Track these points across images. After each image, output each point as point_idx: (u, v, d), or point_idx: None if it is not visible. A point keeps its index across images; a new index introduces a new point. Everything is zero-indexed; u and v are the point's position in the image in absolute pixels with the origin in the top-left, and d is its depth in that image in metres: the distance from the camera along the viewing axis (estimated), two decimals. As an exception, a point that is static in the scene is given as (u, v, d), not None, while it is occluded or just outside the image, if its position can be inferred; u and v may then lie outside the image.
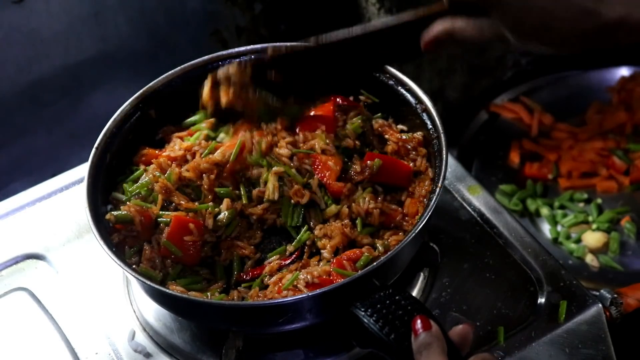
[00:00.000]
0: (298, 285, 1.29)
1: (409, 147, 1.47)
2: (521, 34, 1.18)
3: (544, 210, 2.14)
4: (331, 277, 1.30)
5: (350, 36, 1.39)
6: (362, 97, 1.55)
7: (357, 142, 1.46)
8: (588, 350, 1.38)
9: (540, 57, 2.47)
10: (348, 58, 1.43)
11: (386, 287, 1.23)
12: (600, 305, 1.40)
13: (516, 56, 2.46)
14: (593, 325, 1.39)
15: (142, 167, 1.48)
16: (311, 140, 1.44)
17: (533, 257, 1.47)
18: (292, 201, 1.39)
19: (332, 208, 1.40)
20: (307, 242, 1.38)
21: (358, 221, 1.38)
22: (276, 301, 1.25)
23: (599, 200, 2.15)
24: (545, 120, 2.34)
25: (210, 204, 1.40)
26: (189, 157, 1.46)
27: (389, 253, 1.26)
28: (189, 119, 1.56)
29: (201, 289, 1.34)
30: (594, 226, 2.09)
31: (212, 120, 1.52)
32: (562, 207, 2.15)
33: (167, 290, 1.29)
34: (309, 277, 1.29)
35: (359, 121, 1.49)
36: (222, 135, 1.49)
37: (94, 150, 1.43)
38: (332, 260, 1.34)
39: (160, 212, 1.39)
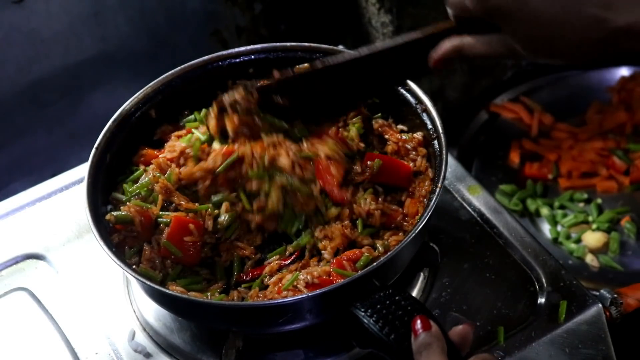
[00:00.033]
0: (298, 286, 1.29)
1: (409, 147, 1.47)
2: (532, 46, 1.17)
3: (544, 210, 2.14)
4: (331, 278, 1.30)
5: (357, 57, 1.38)
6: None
7: (361, 144, 1.47)
8: (588, 350, 1.38)
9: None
10: (355, 79, 1.41)
11: (386, 288, 1.23)
12: (600, 305, 1.40)
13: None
14: (593, 325, 1.39)
15: (141, 167, 1.48)
16: (318, 145, 1.42)
17: (533, 257, 1.47)
18: (296, 211, 1.39)
19: (333, 210, 1.39)
20: (308, 246, 1.38)
21: (359, 222, 1.38)
22: (276, 301, 1.25)
23: (599, 200, 2.14)
24: (545, 120, 2.34)
25: (210, 205, 1.40)
26: (182, 161, 1.46)
27: (389, 253, 1.26)
28: (187, 118, 1.56)
29: (201, 289, 1.34)
30: (594, 226, 2.09)
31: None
32: (562, 207, 2.15)
33: (167, 291, 1.29)
34: (308, 277, 1.29)
35: (360, 122, 1.49)
36: (215, 144, 1.46)
37: (94, 150, 1.43)
38: (332, 260, 1.34)
39: (160, 213, 1.39)
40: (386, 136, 1.49)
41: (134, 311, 1.47)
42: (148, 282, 1.27)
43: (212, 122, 1.45)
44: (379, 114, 1.54)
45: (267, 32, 2.36)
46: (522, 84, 2.44)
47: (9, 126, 2.10)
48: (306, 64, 1.44)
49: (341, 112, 1.51)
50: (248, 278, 1.36)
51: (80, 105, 2.17)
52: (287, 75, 1.44)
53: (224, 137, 1.45)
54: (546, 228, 2.12)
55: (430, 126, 1.45)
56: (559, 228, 2.12)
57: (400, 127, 1.52)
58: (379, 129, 1.50)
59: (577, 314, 1.39)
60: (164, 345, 1.42)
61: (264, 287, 1.34)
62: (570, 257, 2.05)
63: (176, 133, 1.53)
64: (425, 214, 1.30)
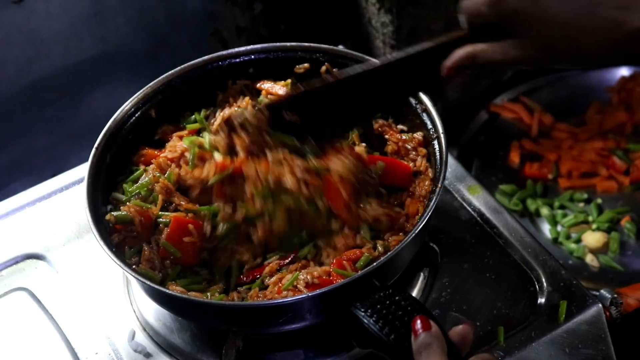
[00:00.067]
0: (298, 286, 1.29)
1: (409, 147, 1.47)
2: (548, 50, 1.16)
3: (544, 210, 2.14)
4: (331, 278, 1.30)
5: (368, 69, 1.36)
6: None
7: (363, 144, 1.46)
8: (588, 350, 1.38)
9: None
10: (367, 92, 1.38)
11: (386, 288, 1.23)
12: (600, 305, 1.40)
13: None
14: (593, 325, 1.39)
15: (142, 167, 1.48)
16: (331, 162, 1.39)
17: (533, 257, 1.47)
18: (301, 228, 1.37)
19: (337, 224, 1.37)
20: (309, 256, 1.37)
21: (364, 227, 1.37)
22: (276, 301, 1.25)
23: (599, 200, 2.14)
24: (545, 120, 2.34)
25: (208, 209, 1.38)
26: (182, 162, 1.46)
27: (389, 253, 1.26)
28: (188, 119, 1.56)
29: (201, 289, 1.34)
30: (594, 226, 2.09)
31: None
32: (562, 207, 2.15)
33: (167, 291, 1.29)
34: (308, 277, 1.29)
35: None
36: (217, 155, 1.41)
37: (94, 150, 1.43)
38: (332, 260, 1.34)
39: (160, 213, 1.39)
40: (386, 136, 1.49)
41: (134, 311, 1.47)
42: (148, 282, 1.27)
43: (222, 142, 1.40)
44: (379, 114, 1.54)
45: (267, 32, 2.35)
46: (522, 84, 2.44)
47: (9, 126, 2.10)
48: (326, 74, 1.40)
49: (352, 128, 1.48)
50: (248, 280, 1.36)
51: (80, 105, 2.17)
52: (297, 91, 1.41)
53: (232, 153, 1.40)
54: (546, 228, 2.12)
55: (430, 126, 1.45)
56: (559, 228, 2.12)
57: (400, 127, 1.52)
58: (379, 129, 1.50)
59: (577, 314, 1.39)
60: (164, 345, 1.42)
61: (264, 287, 1.34)
62: (570, 257, 2.05)
63: (177, 133, 1.53)
64: (425, 214, 1.30)
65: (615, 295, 1.42)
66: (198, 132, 1.54)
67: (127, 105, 1.51)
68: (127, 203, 1.40)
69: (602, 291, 1.43)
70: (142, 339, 1.43)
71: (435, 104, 1.45)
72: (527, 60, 1.18)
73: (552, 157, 2.24)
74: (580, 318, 1.38)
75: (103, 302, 1.49)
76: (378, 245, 1.35)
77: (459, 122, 2.37)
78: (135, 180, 1.45)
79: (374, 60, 1.43)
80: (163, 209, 1.40)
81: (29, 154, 2.15)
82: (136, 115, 1.52)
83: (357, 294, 1.22)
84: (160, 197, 1.40)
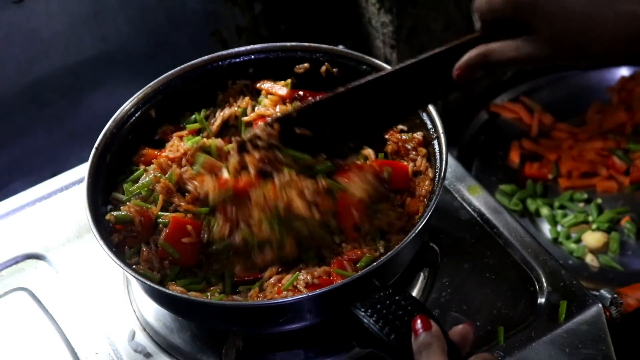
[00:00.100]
0: (298, 286, 1.29)
1: (409, 147, 1.47)
2: (562, 45, 1.14)
3: (544, 210, 2.14)
4: (331, 278, 1.30)
5: (380, 76, 1.32)
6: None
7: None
8: (588, 350, 1.38)
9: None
10: (379, 101, 1.34)
11: (386, 287, 1.23)
12: (600, 305, 1.40)
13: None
14: (593, 325, 1.39)
15: (142, 167, 1.48)
16: (349, 180, 1.35)
17: (533, 257, 1.47)
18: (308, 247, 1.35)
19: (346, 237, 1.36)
20: (312, 263, 1.36)
21: (377, 234, 1.37)
22: (276, 301, 1.25)
23: (599, 200, 2.14)
24: (545, 120, 2.34)
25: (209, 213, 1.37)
26: (184, 162, 1.46)
27: (389, 253, 1.26)
28: (188, 119, 1.56)
29: (201, 289, 1.34)
30: (594, 226, 2.09)
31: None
32: (562, 207, 2.15)
33: (168, 291, 1.29)
34: (308, 277, 1.29)
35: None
36: (224, 173, 1.38)
37: (94, 150, 1.43)
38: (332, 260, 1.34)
39: (160, 213, 1.39)
40: (386, 136, 1.49)
41: (134, 311, 1.47)
42: (148, 282, 1.27)
43: (233, 161, 1.36)
44: (393, 126, 1.53)
45: (267, 32, 2.35)
46: (522, 84, 2.44)
47: (9, 126, 2.09)
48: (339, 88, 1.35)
49: (366, 142, 1.43)
50: (248, 279, 1.36)
51: (80, 105, 2.17)
52: (308, 103, 1.38)
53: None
54: (546, 228, 2.12)
55: (430, 126, 1.45)
56: (559, 228, 2.12)
57: (400, 127, 1.52)
58: (379, 128, 1.50)
59: (577, 314, 1.39)
60: (164, 345, 1.42)
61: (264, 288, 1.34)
62: (570, 257, 2.05)
63: (177, 133, 1.53)
64: (426, 214, 1.30)
65: (615, 295, 1.42)
66: (198, 132, 1.54)
67: (127, 105, 1.51)
68: (127, 203, 1.40)
69: (602, 291, 1.43)
70: (142, 339, 1.43)
71: (435, 104, 1.45)
72: (541, 56, 1.16)
73: (552, 157, 2.24)
74: (580, 318, 1.38)
75: (103, 302, 1.49)
76: (379, 245, 1.35)
77: (459, 122, 2.36)
78: (136, 180, 1.45)
79: (386, 66, 1.40)
80: (163, 209, 1.40)
81: (29, 154, 2.15)
82: (136, 115, 1.52)
83: (357, 293, 1.22)
84: (160, 197, 1.40)
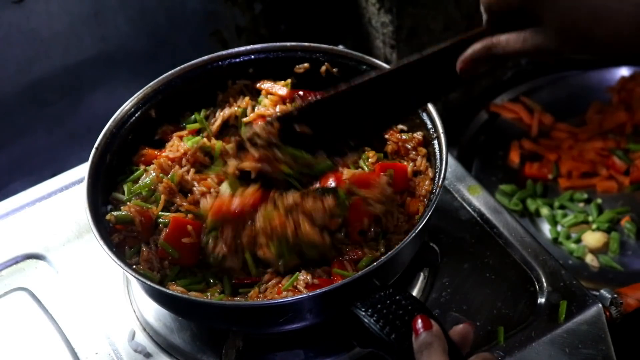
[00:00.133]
0: (298, 286, 1.29)
1: (409, 147, 1.47)
2: (570, 36, 1.12)
3: (544, 210, 2.14)
4: (331, 278, 1.30)
5: (383, 73, 1.31)
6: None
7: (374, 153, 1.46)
8: (588, 350, 1.38)
9: (540, 57, 2.47)
10: (382, 99, 1.31)
11: (386, 287, 1.23)
12: (600, 305, 1.40)
13: (516, 56, 2.46)
14: (593, 325, 1.39)
15: (142, 167, 1.48)
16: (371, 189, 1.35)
17: (533, 257, 1.47)
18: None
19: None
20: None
21: (380, 236, 1.37)
22: (276, 301, 1.25)
23: (599, 200, 2.14)
24: (545, 120, 2.34)
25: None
26: (184, 162, 1.46)
27: (389, 253, 1.26)
28: (188, 119, 1.56)
29: (201, 289, 1.34)
30: (594, 226, 2.09)
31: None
32: (562, 207, 2.15)
33: (168, 291, 1.29)
34: (308, 277, 1.29)
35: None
36: (224, 187, 1.36)
37: (94, 150, 1.43)
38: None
39: (160, 213, 1.39)
40: (386, 136, 1.49)
41: (134, 311, 1.47)
42: (149, 282, 1.27)
43: (232, 163, 1.35)
44: (394, 125, 1.53)
45: (267, 32, 2.35)
46: (522, 84, 2.44)
47: (9, 126, 2.09)
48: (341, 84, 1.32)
49: (366, 140, 1.42)
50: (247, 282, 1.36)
51: (80, 105, 2.17)
52: (309, 101, 1.36)
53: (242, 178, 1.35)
54: (546, 228, 2.12)
55: (430, 126, 1.45)
56: (559, 228, 2.12)
57: (400, 126, 1.52)
58: (379, 128, 1.50)
59: (577, 314, 1.39)
60: (164, 345, 1.42)
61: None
62: (570, 257, 2.05)
63: (178, 133, 1.53)
64: (426, 214, 1.30)
65: (615, 295, 1.42)
66: (198, 132, 1.54)
67: (127, 105, 1.51)
68: (128, 203, 1.40)
69: (602, 291, 1.43)
70: (142, 339, 1.43)
71: (435, 104, 1.45)
72: (547, 48, 1.14)
73: (552, 157, 2.24)
74: (580, 318, 1.38)
75: (103, 302, 1.49)
76: (380, 245, 1.35)
77: (459, 122, 2.37)
78: (136, 180, 1.45)
79: (386, 66, 1.38)
80: (164, 209, 1.40)
81: (29, 154, 2.15)
82: (136, 115, 1.52)
83: (358, 293, 1.22)
84: (162, 197, 1.40)
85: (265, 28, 2.35)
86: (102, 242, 1.30)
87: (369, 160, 1.44)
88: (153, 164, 1.46)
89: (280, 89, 1.54)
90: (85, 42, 2.10)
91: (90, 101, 2.18)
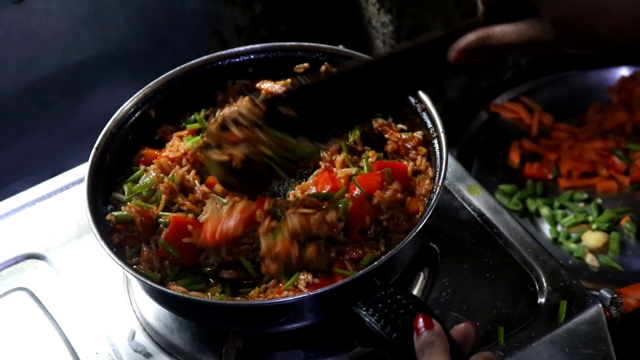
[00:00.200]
0: (299, 286, 1.29)
1: (409, 146, 1.47)
2: (567, 28, 1.09)
3: (544, 210, 2.14)
4: (332, 277, 1.30)
5: (374, 60, 1.30)
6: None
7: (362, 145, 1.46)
8: (588, 350, 1.38)
9: (540, 57, 2.47)
10: (371, 85, 1.30)
11: (387, 286, 1.23)
12: (600, 305, 1.40)
13: (516, 56, 2.46)
14: (593, 325, 1.39)
15: (142, 167, 1.48)
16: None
17: (533, 257, 1.47)
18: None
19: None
20: None
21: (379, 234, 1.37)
22: (277, 301, 1.25)
23: (599, 200, 2.14)
24: (545, 120, 2.34)
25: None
26: (184, 162, 1.45)
27: (390, 252, 1.26)
28: (188, 119, 1.56)
29: (202, 289, 1.34)
30: (594, 226, 2.09)
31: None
32: (562, 207, 2.15)
33: (168, 290, 1.28)
34: (309, 277, 1.29)
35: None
36: (209, 205, 1.38)
37: (94, 150, 1.43)
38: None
39: (160, 213, 1.39)
40: (386, 135, 1.49)
41: (134, 311, 1.47)
42: (149, 282, 1.27)
43: (213, 126, 1.34)
44: (379, 113, 1.54)
45: (267, 32, 2.35)
46: (522, 84, 2.44)
47: (9, 126, 2.09)
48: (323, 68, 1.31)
49: (351, 125, 1.42)
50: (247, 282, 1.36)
51: (80, 105, 2.17)
52: (299, 84, 1.34)
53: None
54: (546, 228, 2.12)
55: (430, 125, 1.45)
56: (559, 228, 2.12)
57: (400, 126, 1.52)
58: (379, 128, 1.50)
59: (577, 314, 1.39)
60: (164, 345, 1.42)
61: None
62: (570, 257, 2.05)
63: (177, 133, 1.53)
64: (426, 214, 1.30)
65: (615, 295, 1.42)
66: (198, 132, 1.54)
67: (127, 105, 1.51)
68: (128, 203, 1.40)
69: (602, 291, 1.43)
70: (142, 339, 1.43)
71: (435, 104, 1.45)
72: (544, 41, 1.11)
73: (552, 157, 2.24)
74: (580, 318, 1.38)
75: (103, 302, 1.49)
76: (380, 244, 1.35)
77: (459, 122, 2.37)
78: (136, 181, 1.45)
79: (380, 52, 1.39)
80: (165, 209, 1.40)
81: (29, 154, 2.15)
82: (136, 115, 1.52)
83: (358, 293, 1.22)
84: (164, 197, 1.40)
85: (265, 28, 2.35)
86: (102, 242, 1.30)
87: (369, 159, 1.44)
88: (153, 164, 1.47)
89: (280, 88, 1.54)
90: (85, 42, 2.10)
91: (90, 101, 2.18)
